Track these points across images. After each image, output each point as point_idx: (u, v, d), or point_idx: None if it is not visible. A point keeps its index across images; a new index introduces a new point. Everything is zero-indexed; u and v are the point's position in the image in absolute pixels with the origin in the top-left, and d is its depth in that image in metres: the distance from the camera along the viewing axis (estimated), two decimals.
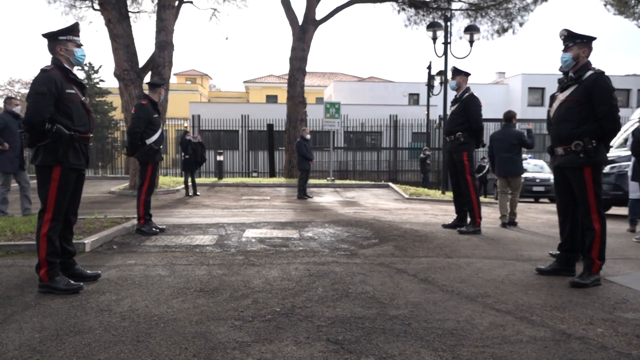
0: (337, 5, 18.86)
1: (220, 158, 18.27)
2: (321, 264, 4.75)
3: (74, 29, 3.87)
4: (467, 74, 7.06)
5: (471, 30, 14.97)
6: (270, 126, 21.26)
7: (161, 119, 6.82)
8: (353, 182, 18.48)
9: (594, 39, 4.20)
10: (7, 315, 3.18)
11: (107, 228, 6.14)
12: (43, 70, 3.71)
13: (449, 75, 7.53)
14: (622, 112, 5.10)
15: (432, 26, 15.10)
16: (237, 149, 24.91)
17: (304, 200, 12.17)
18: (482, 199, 11.80)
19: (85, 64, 31.76)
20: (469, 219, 6.96)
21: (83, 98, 3.91)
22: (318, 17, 18.53)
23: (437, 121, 23.08)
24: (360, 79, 46.25)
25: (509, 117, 7.97)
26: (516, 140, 7.75)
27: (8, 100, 8.20)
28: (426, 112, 23.37)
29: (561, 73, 5.16)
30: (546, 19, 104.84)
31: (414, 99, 35.63)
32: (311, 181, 15.52)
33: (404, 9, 19.83)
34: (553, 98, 4.63)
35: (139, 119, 6.26)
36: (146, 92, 6.72)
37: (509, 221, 7.72)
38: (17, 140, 7.79)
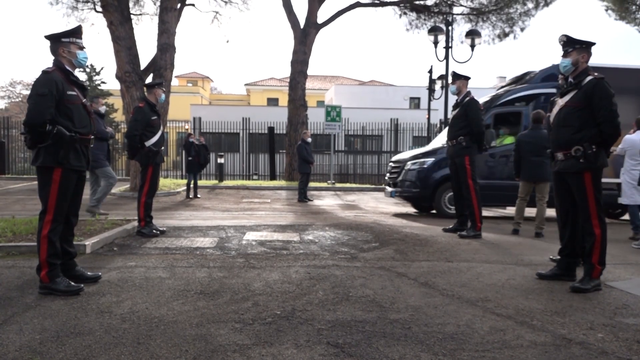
0: (338, 9, 18.90)
1: (221, 160, 18.28)
2: (321, 267, 4.75)
3: (77, 32, 3.88)
4: (467, 78, 7.08)
5: (472, 34, 15.01)
6: (271, 129, 21.27)
7: (162, 121, 6.82)
8: (353, 185, 18.47)
9: (593, 44, 4.21)
10: (8, 316, 3.18)
11: (107, 230, 6.14)
12: (44, 72, 3.72)
13: (450, 79, 7.53)
14: None
15: (434, 30, 15.14)
16: (237, 151, 24.89)
17: (304, 203, 12.16)
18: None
19: (87, 66, 31.86)
20: (469, 223, 6.95)
21: (84, 100, 3.92)
22: (320, 20, 18.57)
23: (438, 125, 23.07)
24: (361, 82, 46.31)
25: (539, 118, 7.38)
26: (548, 143, 7.34)
27: (94, 99, 8.29)
28: (427, 116, 23.39)
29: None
30: (547, 23, 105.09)
31: (414, 102, 35.65)
32: (312, 184, 15.52)
33: (405, 13, 19.87)
34: (552, 103, 4.65)
35: (135, 121, 6.29)
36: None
37: (536, 232, 7.26)
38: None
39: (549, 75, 9.65)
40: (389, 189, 10.44)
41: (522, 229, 7.53)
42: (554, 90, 9.51)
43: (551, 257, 5.18)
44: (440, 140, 10.41)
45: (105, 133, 8.29)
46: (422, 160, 9.71)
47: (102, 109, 8.41)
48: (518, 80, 10.39)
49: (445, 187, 9.43)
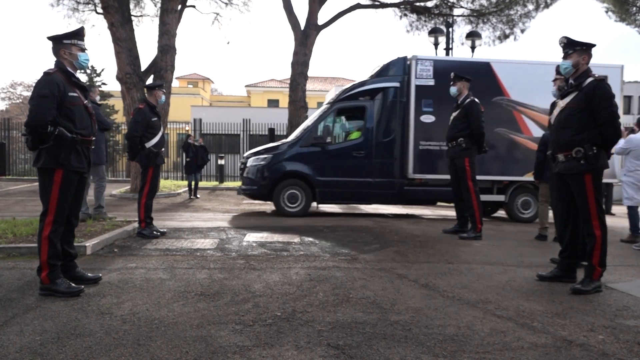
0: (339, 10, 18.90)
1: (221, 162, 18.28)
2: (322, 268, 4.75)
3: (79, 33, 3.89)
4: (468, 80, 7.07)
5: (473, 36, 15.04)
6: (271, 130, 21.26)
7: (162, 122, 6.82)
8: None
9: (594, 45, 4.21)
10: (8, 317, 3.18)
11: (108, 231, 6.15)
12: (46, 73, 3.73)
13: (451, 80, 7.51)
14: (623, 118, 5.11)
15: (434, 32, 15.16)
16: (238, 152, 24.89)
17: None
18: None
19: (88, 67, 31.89)
20: (470, 225, 6.95)
21: (85, 101, 3.92)
22: (320, 22, 18.54)
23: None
24: None
25: None
26: None
27: (90, 88, 8.07)
28: None
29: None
30: (548, 25, 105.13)
31: None
32: None
33: (405, 15, 19.84)
34: (553, 106, 4.65)
35: (136, 123, 6.30)
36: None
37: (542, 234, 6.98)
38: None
39: (393, 69, 9.45)
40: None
41: (522, 230, 7.52)
42: (397, 84, 9.38)
43: (551, 258, 5.18)
44: (290, 138, 10.16)
45: (108, 123, 7.87)
46: (262, 156, 9.44)
47: (97, 98, 8.03)
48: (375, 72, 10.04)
49: (284, 185, 9.18)
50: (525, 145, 9.32)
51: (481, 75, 9.24)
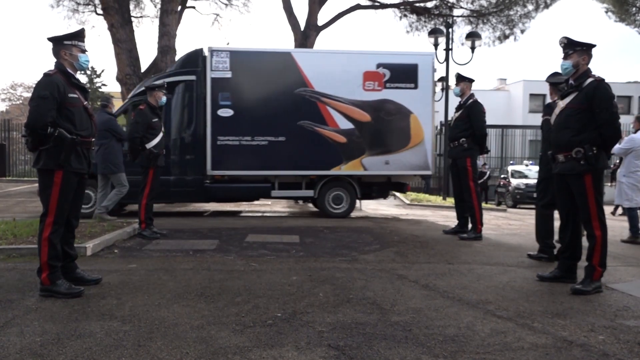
0: (339, 11, 18.89)
1: None
2: (322, 269, 4.75)
3: (79, 35, 3.90)
4: (471, 80, 7.07)
5: (473, 36, 15.03)
6: None
7: (162, 123, 6.83)
8: None
9: (594, 46, 4.21)
10: (9, 319, 3.18)
11: (108, 232, 6.15)
12: (46, 75, 3.73)
13: (453, 80, 7.50)
14: (623, 119, 5.10)
15: (434, 32, 15.14)
16: None
17: (305, 206, 12.17)
18: (482, 205, 11.78)
19: (88, 68, 31.91)
20: (470, 225, 6.95)
21: (85, 102, 3.93)
22: (320, 22, 18.56)
23: (439, 127, 23.04)
24: None
25: None
26: None
27: (109, 99, 8.14)
28: None
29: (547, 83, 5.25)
30: (547, 25, 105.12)
31: None
32: None
33: (405, 16, 19.87)
34: (549, 107, 4.65)
35: (137, 124, 6.32)
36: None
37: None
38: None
39: (189, 61, 9.08)
40: None
41: (522, 231, 7.52)
42: (193, 78, 8.93)
43: (529, 253, 5.19)
44: None
45: (124, 134, 7.95)
46: None
47: (115, 110, 8.11)
48: (174, 66, 9.66)
49: None
50: (332, 138, 8.92)
51: (283, 66, 8.94)
